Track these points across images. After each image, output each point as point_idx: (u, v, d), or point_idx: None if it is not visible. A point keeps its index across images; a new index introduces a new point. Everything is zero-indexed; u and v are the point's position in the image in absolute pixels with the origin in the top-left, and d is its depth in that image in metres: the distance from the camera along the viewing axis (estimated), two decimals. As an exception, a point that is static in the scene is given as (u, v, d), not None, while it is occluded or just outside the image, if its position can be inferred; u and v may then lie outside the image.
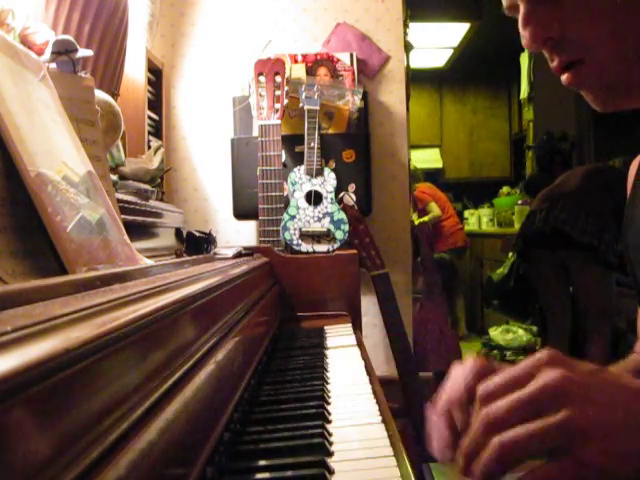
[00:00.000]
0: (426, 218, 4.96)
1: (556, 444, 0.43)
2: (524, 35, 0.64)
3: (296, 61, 2.29)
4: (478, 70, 6.94)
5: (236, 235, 2.36)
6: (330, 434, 0.68)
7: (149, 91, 2.16)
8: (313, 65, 2.30)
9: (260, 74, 1.98)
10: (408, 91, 2.64)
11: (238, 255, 1.30)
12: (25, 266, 0.59)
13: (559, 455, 0.43)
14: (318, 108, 2.10)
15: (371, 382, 0.90)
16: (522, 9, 0.64)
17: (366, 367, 0.98)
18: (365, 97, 2.28)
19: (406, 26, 2.72)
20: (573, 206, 2.93)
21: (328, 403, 0.79)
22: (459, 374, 0.53)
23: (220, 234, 2.21)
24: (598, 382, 0.46)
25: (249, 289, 1.06)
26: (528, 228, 3.11)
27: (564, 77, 0.64)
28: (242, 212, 2.20)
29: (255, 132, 2.10)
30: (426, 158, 6.77)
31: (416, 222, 4.98)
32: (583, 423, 0.43)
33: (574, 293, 3.20)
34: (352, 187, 2.16)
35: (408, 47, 2.90)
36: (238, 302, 0.90)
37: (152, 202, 1.30)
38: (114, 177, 1.17)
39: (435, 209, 4.98)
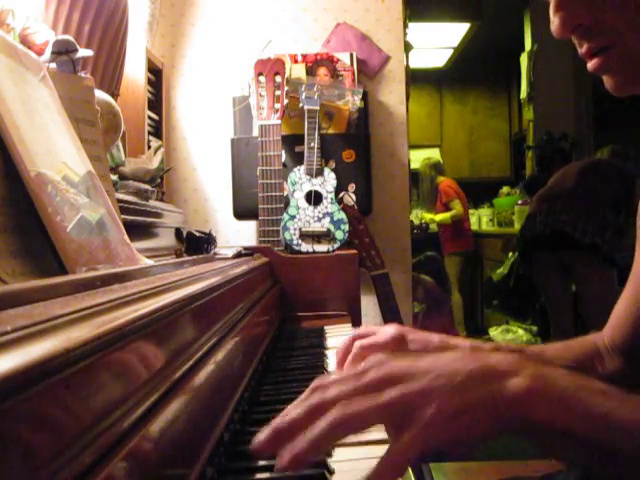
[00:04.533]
0: (448, 214, 4.95)
1: (391, 416, 0.46)
2: (554, 21, 0.64)
3: (296, 61, 2.29)
4: (478, 70, 6.94)
5: (236, 235, 2.36)
6: (330, 434, 0.67)
7: (149, 91, 2.16)
8: (313, 65, 2.30)
9: (260, 74, 1.98)
10: (408, 91, 2.64)
11: (238, 255, 1.30)
12: (25, 266, 0.59)
13: (399, 433, 0.46)
14: (318, 108, 2.10)
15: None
16: None
17: (366, 367, 0.98)
18: (365, 97, 2.28)
19: (406, 26, 2.72)
20: (572, 207, 2.92)
21: (328, 403, 0.79)
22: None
23: (220, 234, 2.21)
24: (421, 362, 0.49)
25: (249, 289, 1.06)
26: (528, 231, 3.11)
27: (591, 63, 0.65)
28: (242, 212, 2.20)
29: (255, 132, 2.10)
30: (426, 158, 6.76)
31: (437, 218, 4.98)
32: (415, 391, 0.46)
33: (577, 292, 3.19)
34: (352, 187, 2.16)
35: (408, 47, 2.90)
36: (238, 302, 0.90)
37: (152, 202, 1.30)
38: (114, 177, 1.17)
39: (458, 206, 4.97)
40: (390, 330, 0.82)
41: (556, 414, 0.46)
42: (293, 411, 0.48)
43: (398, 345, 0.81)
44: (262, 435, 0.47)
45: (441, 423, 0.45)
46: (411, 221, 3.52)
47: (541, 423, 0.46)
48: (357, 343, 0.82)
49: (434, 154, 7.04)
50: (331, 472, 0.57)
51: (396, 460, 0.45)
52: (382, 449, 0.47)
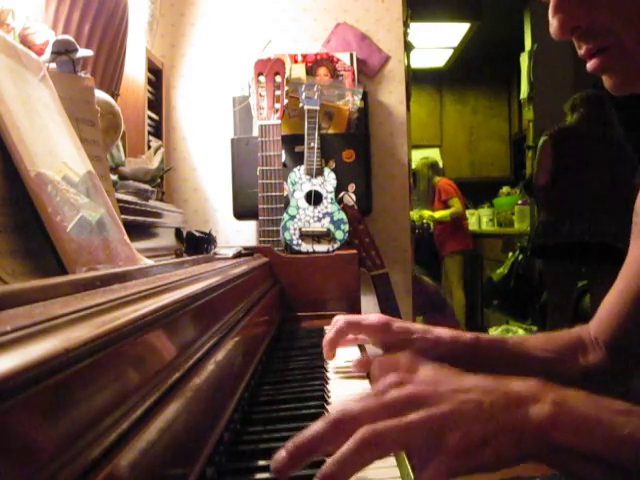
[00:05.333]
0: (448, 212, 4.95)
1: (417, 439, 0.45)
2: (552, 23, 0.65)
3: (296, 61, 2.29)
4: (478, 70, 6.94)
5: (236, 235, 2.36)
6: (330, 434, 0.67)
7: (149, 91, 2.16)
8: (313, 65, 2.30)
9: (260, 74, 1.98)
10: (409, 91, 2.64)
11: (238, 255, 1.30)
12: (25, 266, 0.59)
13: (425, 460, 0.45)
14: (318, 108, 2.10)
15: (371, 382, 0.90)
16: None
17: (366, 367, 0.98)
18: (365, 97, 2.28)
19: (407, 26, 2.72)
20: (603, 215, 2.80)
21: (328, 403, 0.79)
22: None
23: (220, 234, 2.21)
24: (443, 386, 0.49)
25: (249, 289, 1.06)
26: (545, 239, 2.99)
27: (590, 63, 0.66)
28: (242, 212, 2.20)
29: (255, 132, 2.10)
30: (426, 158, 6.77)
31: (436, 215, 4.99)
32: (441, 416, 0.46)
33: (588, 288, 3.12)
34: (352, 187, 2.16)
35: (409, 47, 2.90)
36: (238, 302, 0.90)
37: (152, 202, 1.30)
38: (114, 177, 1.17)
39: (458, 204, 4.98)
40: (375, 316, 0.89)
41: (579, 438, 0.46)
42: (314, 426, 0.46)
43: (383, 330, 0.86)
44: (283, 452, 0.45)
45: (468, 451, 0.44)
46: (412, 221, 3.51)
47: (565, 448, 0.46)
48: (340, 317, 0.91)
49: (434, 154, 7.06)
50: None
51: None
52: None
